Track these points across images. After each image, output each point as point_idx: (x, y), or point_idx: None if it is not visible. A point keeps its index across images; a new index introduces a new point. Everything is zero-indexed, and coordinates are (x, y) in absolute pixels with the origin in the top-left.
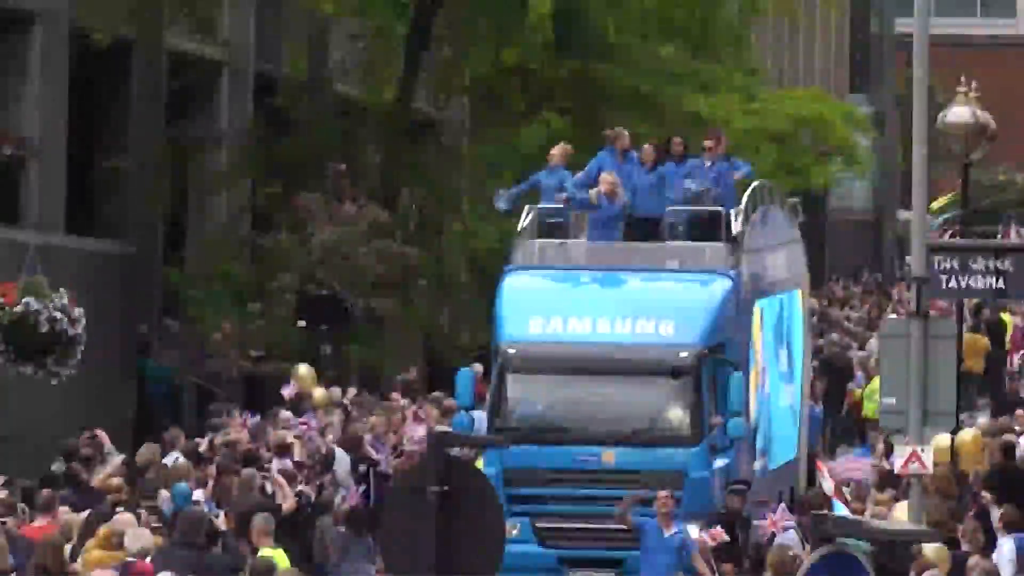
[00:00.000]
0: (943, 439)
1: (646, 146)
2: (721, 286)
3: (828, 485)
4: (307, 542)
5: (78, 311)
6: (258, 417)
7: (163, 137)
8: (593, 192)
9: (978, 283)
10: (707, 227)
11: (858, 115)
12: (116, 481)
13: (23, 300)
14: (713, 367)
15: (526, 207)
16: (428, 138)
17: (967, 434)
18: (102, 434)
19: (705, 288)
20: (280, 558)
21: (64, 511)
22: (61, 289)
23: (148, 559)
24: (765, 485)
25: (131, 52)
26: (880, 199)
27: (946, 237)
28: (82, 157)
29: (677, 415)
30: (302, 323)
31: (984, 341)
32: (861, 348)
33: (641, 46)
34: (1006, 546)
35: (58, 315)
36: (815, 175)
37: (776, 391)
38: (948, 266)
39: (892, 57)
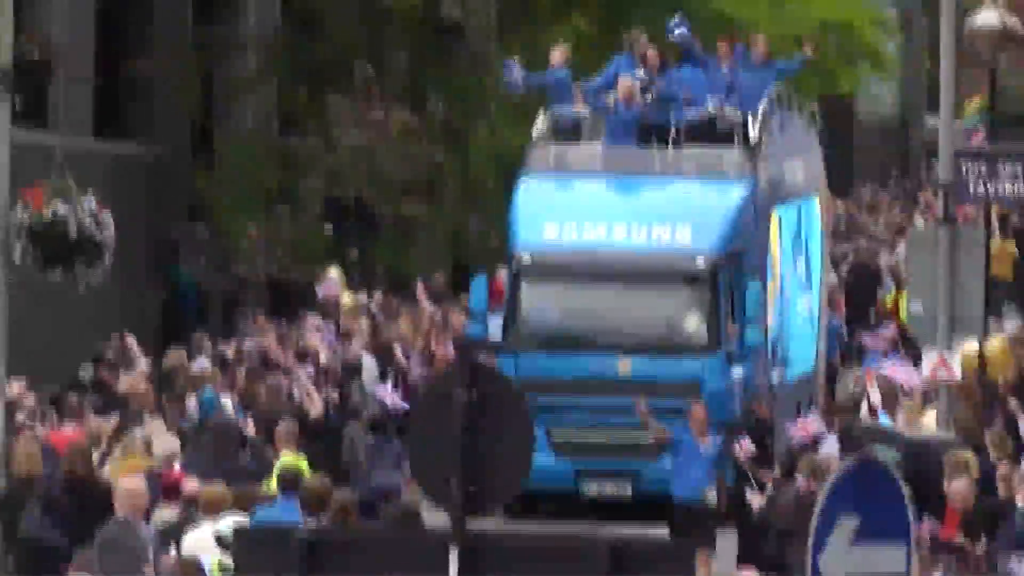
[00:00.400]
0: (971, 346)
1: (649, 50)
2: (738, 192)
3: (876, 397)
4: (333, 448)
5: (106, 215)
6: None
7: (190, 40)
8: (610, 97)
9: (1006, 189)
10: (724, 133)
11: (885, 19)
12: (142, 386)
13: (51, 204)
14: (730, 275)
15: (540, 110)
16: (455, 42)
17: (995, 341)
18: (130, 339)
19: (722, 194)
20: (300, 464)
21: (91, 416)
22: (89, 193)
23: (176, 465)
24: (783, 395)
25: None
26: (907, 104)
27: (974, 142)
28: (109, 60)
29: (693, 323)
30: (329, 227)
31: (1012, 247)
32: (890, 254)
33: None
34: None
35: (86, 219)
36: (842, 80)
37: (794, 300)
38: (976, 172)
39: None
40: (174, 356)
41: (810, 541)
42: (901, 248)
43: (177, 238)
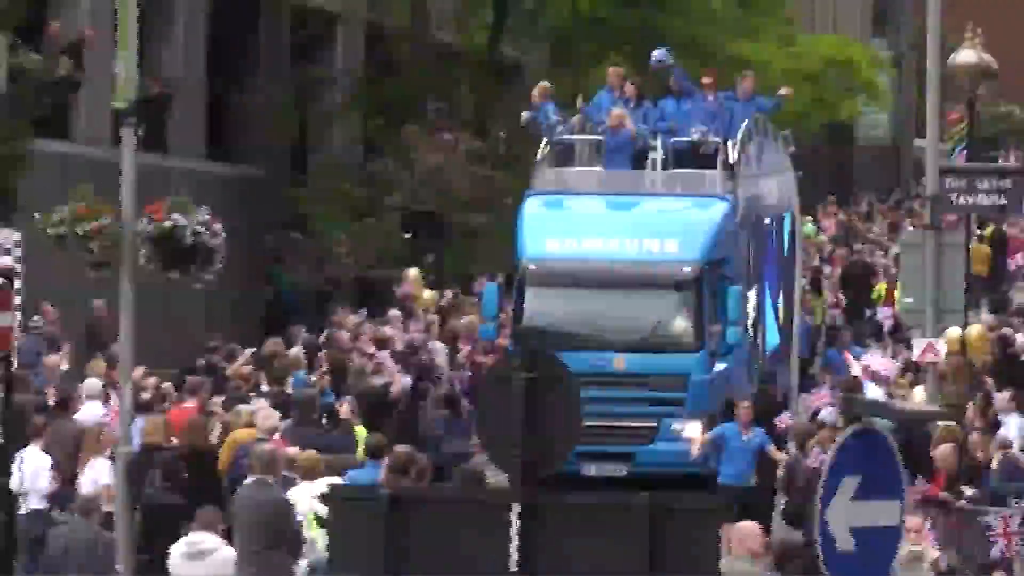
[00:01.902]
0: (954, 332)
1: (627, 83)
2: (720, 208)
3: (856, 369)
4: (411, 420)
5: (218, 226)
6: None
7: (288, 77)
8: (602, 129)
9: (983, 200)
10: (707, 157)
11: (880, 57)
12: (246, 370)
13: (170, 216)
14: (713, 281)
15: (543, 140)
16: (513, 78)
17: (973, 329)
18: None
19: (705, 210)
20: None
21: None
22: (203, 207)
23: (277, 435)
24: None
25: (260, 5)
26: (899, 129)
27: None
28: (218, 94)
29: (680, 324)
30: (407, 235)
31: (987, 249)
32: (884, 255)
33: None
34: (1013, 422)
35: (201, 229)
36: (843, 109)
37: (772, 302)
38: (957, 186)
39: (910, 4)
40: (271, 345)
41: (819, 496)
42: (893, 249)
43: (278, 246)
